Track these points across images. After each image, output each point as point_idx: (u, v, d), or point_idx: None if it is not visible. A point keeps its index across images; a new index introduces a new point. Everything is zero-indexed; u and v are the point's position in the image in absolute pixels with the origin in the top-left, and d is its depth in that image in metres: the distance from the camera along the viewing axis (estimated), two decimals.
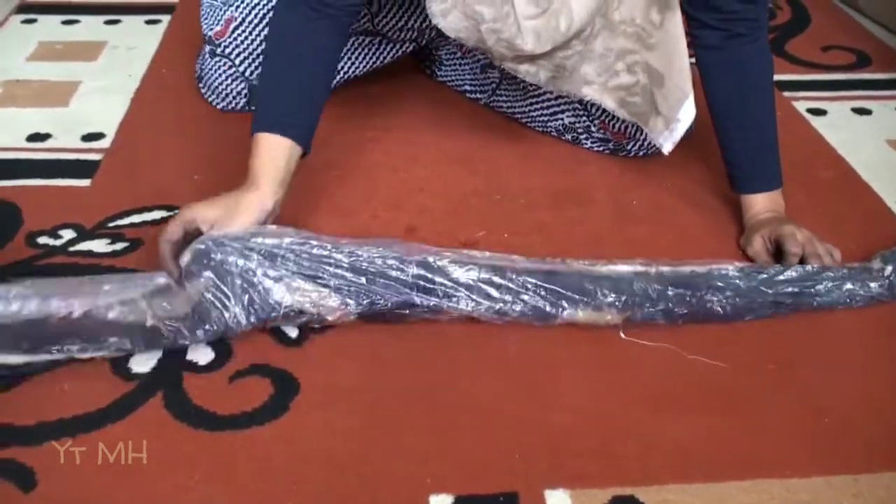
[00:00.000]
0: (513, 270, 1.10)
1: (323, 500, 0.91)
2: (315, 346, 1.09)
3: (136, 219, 1.30)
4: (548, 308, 1.09)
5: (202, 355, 1.07)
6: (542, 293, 1.09)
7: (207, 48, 1.58)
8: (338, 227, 1.29)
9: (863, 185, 1.45)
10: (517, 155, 1.50)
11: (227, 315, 1.04)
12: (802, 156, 1.51)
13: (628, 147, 1.47)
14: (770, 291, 1.14)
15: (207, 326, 1.04)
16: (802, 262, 1.18)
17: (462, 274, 1.09)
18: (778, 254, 1.21)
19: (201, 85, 1.61)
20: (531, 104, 1.54)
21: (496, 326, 1.11)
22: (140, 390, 1.02)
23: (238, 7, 1.52)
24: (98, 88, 1.68)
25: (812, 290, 1.15)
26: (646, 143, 1.46)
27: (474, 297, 1.08)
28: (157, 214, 1.31)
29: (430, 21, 1.26)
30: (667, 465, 0.95)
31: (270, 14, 1.48)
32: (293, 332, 1.10)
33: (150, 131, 1.54)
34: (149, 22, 1.97)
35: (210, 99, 1.59)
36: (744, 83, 1.29)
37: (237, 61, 1.53)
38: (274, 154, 1.16)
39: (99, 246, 1.24)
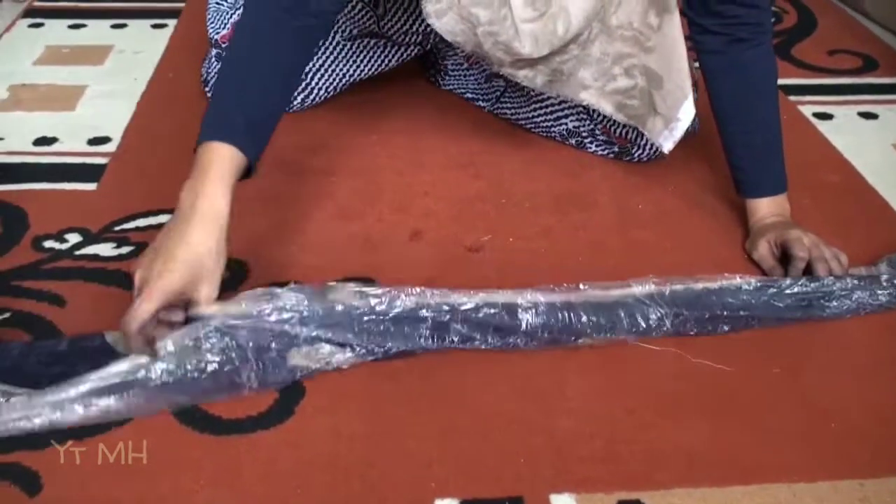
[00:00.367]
0: (527, 308, 1.08)
1: None
2: None
3: (141, 223, 1.30)
4: (561, 340, 1.09)
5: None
6: (556, 333, 1.08)
7: (214, 52, 1.58)
8: (342, 230, 1.30)
9: (869, 189, 1.45)
10: (522, 159, 1.50)
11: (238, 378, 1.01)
12: (808, 160, 1.51)
13: (633, 151, 1.47)
14: (781, 305, 1.14)
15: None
16: (809, 266, 1.18)
17: (478, 321, 1.07)
18: (784, 258, 1.21)
19: (207, 89, 1.61)
20: (535, 110, 1.54)
21: None
22: None
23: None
24: (104, 92, 1.68)
25: (823, 302, 1.15)
26: (650, 149, 1.45)
27: (490, 339, 1.08)
28: (162, 218, 1.31)
29: None
30: (672, 469, 0.95)
31: None
32: None
33: (157, 135, 1.55)
34: (155, 26, 1.98)
35: None
36: (747, 88, 1.29)
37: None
38: (224, 169, 1.04)
39: (105, 250, 1.25)
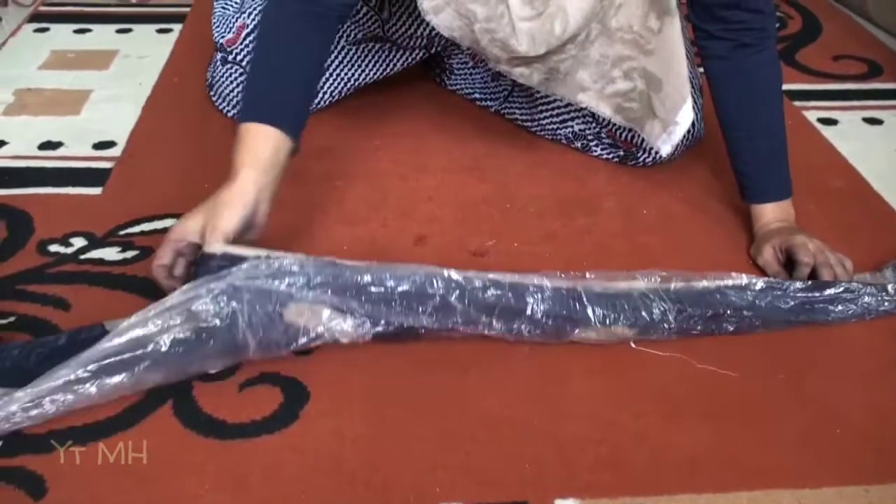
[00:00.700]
0: (532, 298, 1.08)
1: None
2: (325, 355, 1.08)
3: (146, 227, 1.31)
4: (564, 329, 1.09)
5: None
6: (560, 320, 1.08)
7: (219, 55, 1.58)
8: (347, 235, 1.30)
9: (873, 195, 1.45)
10: (526, 163, 1.50)
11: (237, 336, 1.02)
12: (813, 165, 1.51)
13: (638, 156, 1.47)
14: (785, 307, 1.13)
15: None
16: (814, 272, 1.18)
17: (484, 303, 1.07)
18: (789, 263, 1.21)
19: (212, 93, 1.62)
20: (541, 111, 1.54)
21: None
22: (150, 399, 1.02)
23: (250, 14, 1.53)
24: (109, 97, 1.68)
25: (827, 306, 1.15)
26: (655, 153, 1.45)
27: (494, 323, 1.07)
28: (167, 223, 1.31)
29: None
30: (677, 474, 0.95)
31: None
32: None
33: (161, 140, 1.55)
34: (160, 31, 1.98)
35: (221, 106, 1.60)
36: (752, 93, 1.29)
37: (248, 68, 1.53)
38: (255, 143, 1.12)
39: (110, 254, 1.25)
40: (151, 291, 1.17)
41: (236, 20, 1.55)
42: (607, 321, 1.09)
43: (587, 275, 1.13)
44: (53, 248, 1.25)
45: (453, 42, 1.34)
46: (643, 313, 1.10)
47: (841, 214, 1.39)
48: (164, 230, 1.28)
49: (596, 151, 1.51)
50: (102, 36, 1.96)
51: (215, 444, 0.97)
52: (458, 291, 1.06)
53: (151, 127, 1.59)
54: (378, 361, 1.08)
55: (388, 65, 1.56)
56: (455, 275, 1.08)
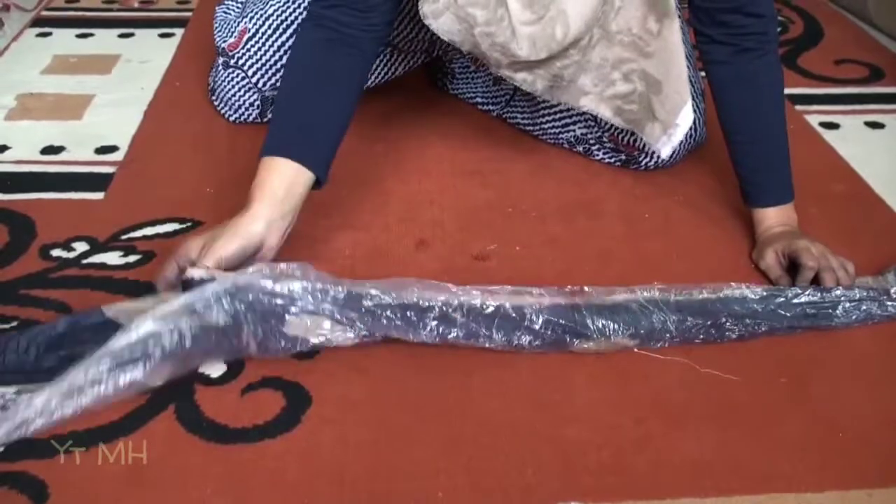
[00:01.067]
0: (531, 309, 1.08)
1: None
2: (327, 360, 1.08)
3: (148, 231, 1.31)
4: (564, 340, 1.09)
5: (214, 368, 1.07)
6: (560, 331, 1.08)
7: (221, 60, 1.58)
8: (349, 239, 1.30)
9: (875, 199, 1.45)
10: (528, 168, 1.50)
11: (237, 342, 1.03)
12: (815, 169, 1.51)
13: (640, 159, 1.47)
14: (788, 315, 1.13)
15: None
16: (817, 276, 1.17)
17: (484, 316, 1.07)
18: (791, 268, 1.21)
19: (214, 97, 1.62)
20: (543, 116, 1.54)
21: None
22: (152, 403, 1.02)
23: (252, 19, 1.53)
24: (112, 101, 1.68)
25: (830, 311, 1.15)
26: (657, 157, 1.45)
27: (495, 336, 1.07)
28: (169, 227, 1.31)
29: None
30: (680, 479, 0.95)
31: (284, 25, 1.49)
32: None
33: (163, 144, 1.55)
34: (162, 35, 1.98)
35: (223, 111, 1.60)
36: (754, 98, 1.29)
37: (250, 73, 1.53)
38: (270, 176, 1.14)
39: (112, 258, 1.25)
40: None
41: (238, 24, 1.55)
42: (608, 331, 1.09)
43: (586, 289, 1.13)
44: (56, 252, 1.26)
45: (454, 46, 1.34)
46: (644, 323, 1.10)
47: (843, 218, 1.39)
48: (167, 235, 1.29)
49: (598, 156, 1.51)
50: (104, 41, 1.96)
51: (217, 448, 0.97)
52: (457, 305, 1.07)
53: (153, 131, 1.59)
54: (380, 366, 1.08)
55: (389, 69, 1.56)
56: (454, 288, 1.08)
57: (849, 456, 0.98)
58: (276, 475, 0.94)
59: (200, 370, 1.06)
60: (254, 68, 1.53)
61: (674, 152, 1.45)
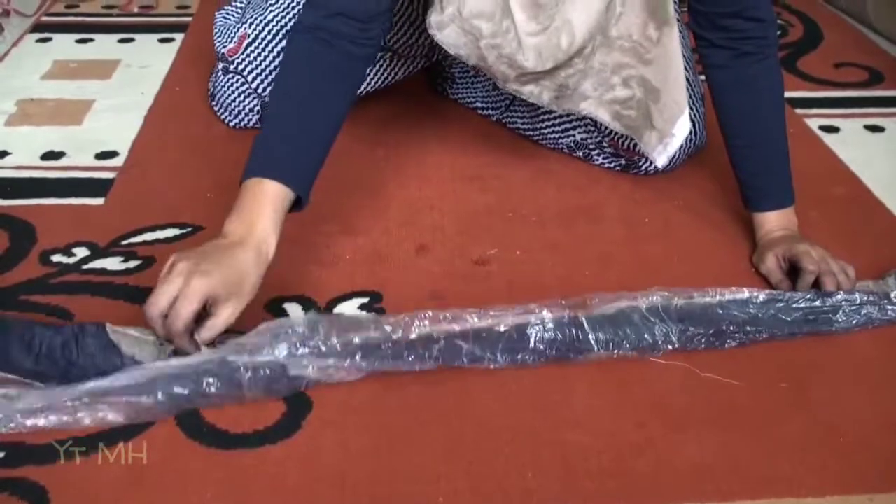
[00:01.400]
0: (534, 329, 1.08)
1: None
2: None
3: (149, 237, 1.31)
4: (567, 357, 1.09)
5: None
6: (564, 349, 1.09)
7: (220, 65, 1.58)
8: (349, 244, 1.30)
9: (876, 202, 1.45)
10: (528, 173, 1.50)
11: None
12: (815, 173, 1.51)
13: (640, 164, 1.47)
14: (788, 319, 1.13)
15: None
16: (817, 280, 1.17)
17: (488, 340, 1.08)
18: (792, 272, 1.21)
19: (214, 102, 1.62)
20: (543, 121, 1.54)
21: None
22: None
23: (251, 24, 1.53)
24: (112, 107, 1.69)
25: (831, 316, 1.15)
26: (674, 156, 1.45)
27: (499, 357, 1.07)
28: (170, 232, 1.31)
29: None
30: (681, 483, 0.95)
31: (284, 31, 1.49)
32: None
33: (164, 149, 1.55)
34: (162, 40, 1.99)
35: (222, 116, 1.60)
36: (754, 102, 1.29)
37: (250, 78, 1.53)
38: (281, 206, 1.09)
39: (112, 264, 1.25)
40: None
41: (238, 30, 1.55)
42: (610, 345, 1.09)
43: (588, 301, 1.13)
44: (56, 258, 1.26)
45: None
46: (646, 336, 1.10)
47: (843, 222, 1.39)
48: (167, 240, 1.29)
49: (598, 160, 1.51)
50: (104, 46, 1.97)
51: (218, 453, 0.97)
52: (460, 332, 1.07)
53: (154, 137, 1.59)
54: (381, 372, 1.07)
55: (389, 74, 1.56)
56: (456, 316, 1.08)
57: (850, 460, 0.98)
58: (276, 480, 0.94)
59: None
60: (253, 74, 1.53)
61: (674, 157, 1.44)
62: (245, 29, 1.54)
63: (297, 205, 1.13)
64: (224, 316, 1.01)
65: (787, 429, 1.02)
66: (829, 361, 1.12)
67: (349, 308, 1.18)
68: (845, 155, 1.59)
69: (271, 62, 1.51)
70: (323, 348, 1.03)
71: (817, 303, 1.15)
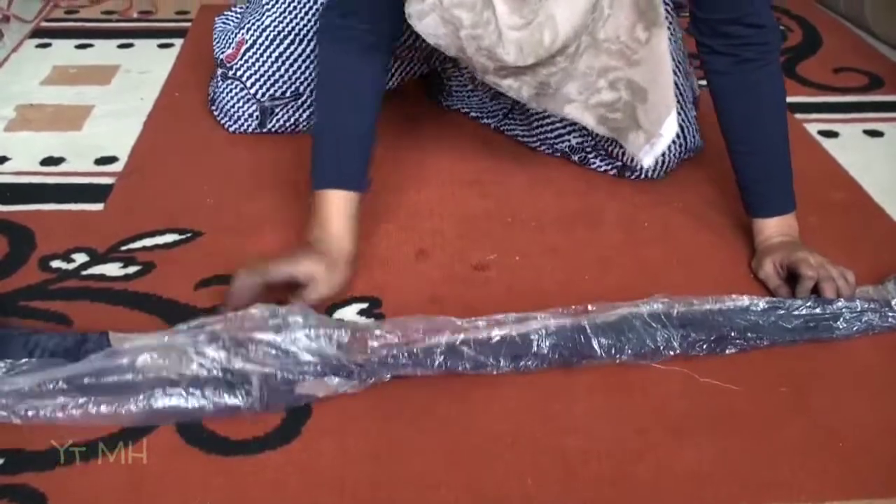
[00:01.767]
0: (537, 335, 1.09)
1: None
2: None
3: (148, 242, 1.31)
4: (571, 362, 1.09)
5: None
6: (566, 354, 1.09)
7: (219, 71, 1.59)
8: None
9: (875, 207, 1.45)
10: (528, 177, 1.50)
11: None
12: (814, 178, 1.51)
13: (635, 167, 1.47)
14: (789, 327, 1.13)
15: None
16: (817, 286, 1.17)
17: (490, 346, 1.08)
18: (791, 279, 1.21)
19: (214, 108, 1.62)
20: (538, 127, 1.54)
21: None
22: None
23: (249, 30, 1.53)
24: (111, 112, 1.69)
25: (832, 323, 1.15)
26: (663, 160, 1.45)
27: (501, 363, 1.07)
28: (169, 238, 1.31)
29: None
30: (680, 489, 0.95)
31: (281, 36, 1.49)
32: None
33: (163, 155, 1.55)
34: (161, 46, 1.99)
35: (223, 122, 1.60)
36: (755, 108, 1.29)
37: (248, 84, 1.53)
38: (347, 209, 1.22)
39: (112, 270, 1.25)
40: (153, 307, 1.18)
41: (236, 36, 1.55)
42: (613, 351, 1.09)
43: (589, 308, 1.13)
44: (55, 263, 1.25)
45: (450, 57, 1.33)
46: (648, 341, 1.10)
47: (842, 227, 1.39)
48: (166, 245, 1.29)
49: (595, 163, 1.51)
50: (104, 51, 1.97)
51: (218, 460, 0.96)
52: (463, 338, 1.07)
53: (153, 142, 1.59)
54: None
55: (388, 78, 1.55)
56: (459, 322, 1.09)
57: (850, 465, 0.98)
58: (276, 487, 0.94)
59: None
60: (252, 79, 1.53)
61: (666, 161, 1.45)
62: (242, 35, 1.54)
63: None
64: (316, 291, 1.15)
65: (787, 434, 1.02)
66: (828, 366, 1.12)
67: (348, 313, 1.18)
68: (845, 160, 1.59)
69: (269, 68, 1.52)
70: (314, 345, 1.04)
71: (818, 310, 1.15)
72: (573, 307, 1.12)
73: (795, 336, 1.13)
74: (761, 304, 1.15)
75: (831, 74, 1.94)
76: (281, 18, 1.51)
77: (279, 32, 1.50)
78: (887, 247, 1.35)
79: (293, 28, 1.50)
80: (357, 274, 1.25)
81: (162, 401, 0.99)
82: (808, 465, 0.98)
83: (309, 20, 1.51)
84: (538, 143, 1.56)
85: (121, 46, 1.99)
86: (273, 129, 1.59)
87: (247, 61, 1.53)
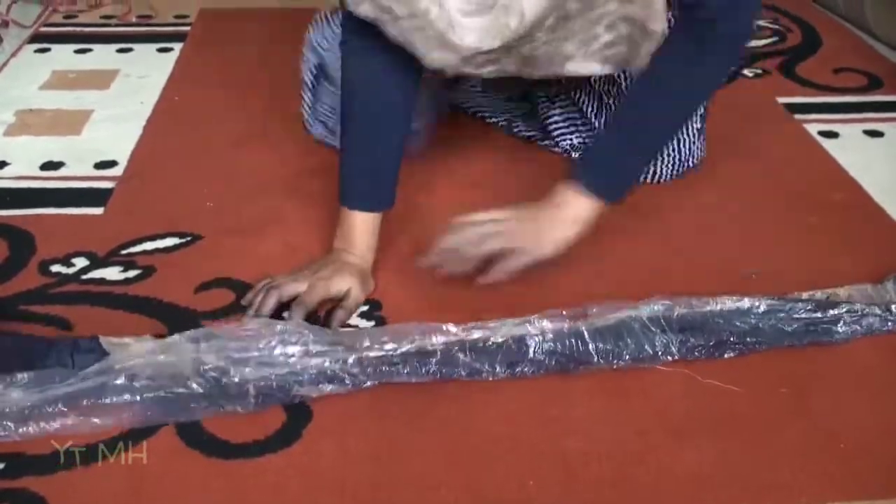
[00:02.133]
0: (533, 341, 1.09)
1: None
2: None
3: (148, 246, 1.31)
4: (568, 367, 1.09)
5: None
6: (564, 360, 1.09)
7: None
8: None
9: (875, 207, 1.45)
10: (529, 180, 1.49)
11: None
12: (814, 178, 1.51)
13: None
14: (789, 330, 1.13)
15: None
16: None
17: (486, 352, 1.08)
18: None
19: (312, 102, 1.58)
20: (542, 126, 1.54)
21: None
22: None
23: None
24: (110, 117, 1.69)
25: (831, 327, 1.15)
26: (653, 171, 1.46)
27: (497, 369, 1.07)
28: (169, 242, 1.31)
29: None
30: (681, 491, 0.95)
31: None
32: None
33: (163, 159, 1.55)
34: (160, 50, 1.99)
35: (309, 123, 1.58)
36: (655, 81, 1.24)
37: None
38: (371, 226, 1.25)
39: (111, 274, 1.25)
40: (153, 311, 1.17)
41: None
42: (610, 357, 1.09)
43: (588, 311, 1.12)
44: (55, 268, 1.25)
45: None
46: (646, 346, 1.10)
47: (842, 227, 1.39)
48: (166, 249, 1.30)
49: None
50: (103, 56, 1.97)
51: (218, 463, 0.96)
52: (458, 345, 1.07)
53: (153, 146, 1.59)
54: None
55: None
56: (454, 328, 1.09)
57: (850, 466, 0.98)
58: (277, 490, 0.94)
59: None
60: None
61: (664, 173, 1.45)
62: None
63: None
64: (356, 302, 1.19)
65: (787, 435, 1.02)
66: (828, 368, 1.12)
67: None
68: (845, 160, 1.59)
69: None
70: (311, 348, 1.05)
71: (818, 313, 1.15)
72: (572, 309, 1.12)
73: (794, 340, 1.13)
74: (762, 306, 1.14)
75: (831, 75, 1.94)
76: None
77: None
78: (887, 247, 1.35)
79: None
80: None
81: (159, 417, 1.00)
82: (809, 467, 0.98)
83: None
84: (540, 139, 1.56)
85: (120, 51, 1.99)
86: None
87: None
